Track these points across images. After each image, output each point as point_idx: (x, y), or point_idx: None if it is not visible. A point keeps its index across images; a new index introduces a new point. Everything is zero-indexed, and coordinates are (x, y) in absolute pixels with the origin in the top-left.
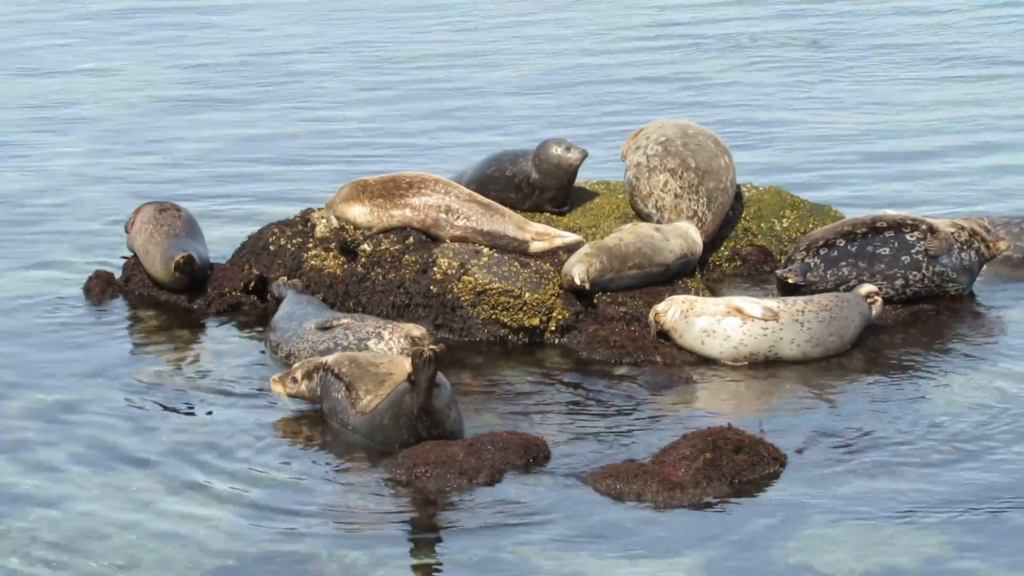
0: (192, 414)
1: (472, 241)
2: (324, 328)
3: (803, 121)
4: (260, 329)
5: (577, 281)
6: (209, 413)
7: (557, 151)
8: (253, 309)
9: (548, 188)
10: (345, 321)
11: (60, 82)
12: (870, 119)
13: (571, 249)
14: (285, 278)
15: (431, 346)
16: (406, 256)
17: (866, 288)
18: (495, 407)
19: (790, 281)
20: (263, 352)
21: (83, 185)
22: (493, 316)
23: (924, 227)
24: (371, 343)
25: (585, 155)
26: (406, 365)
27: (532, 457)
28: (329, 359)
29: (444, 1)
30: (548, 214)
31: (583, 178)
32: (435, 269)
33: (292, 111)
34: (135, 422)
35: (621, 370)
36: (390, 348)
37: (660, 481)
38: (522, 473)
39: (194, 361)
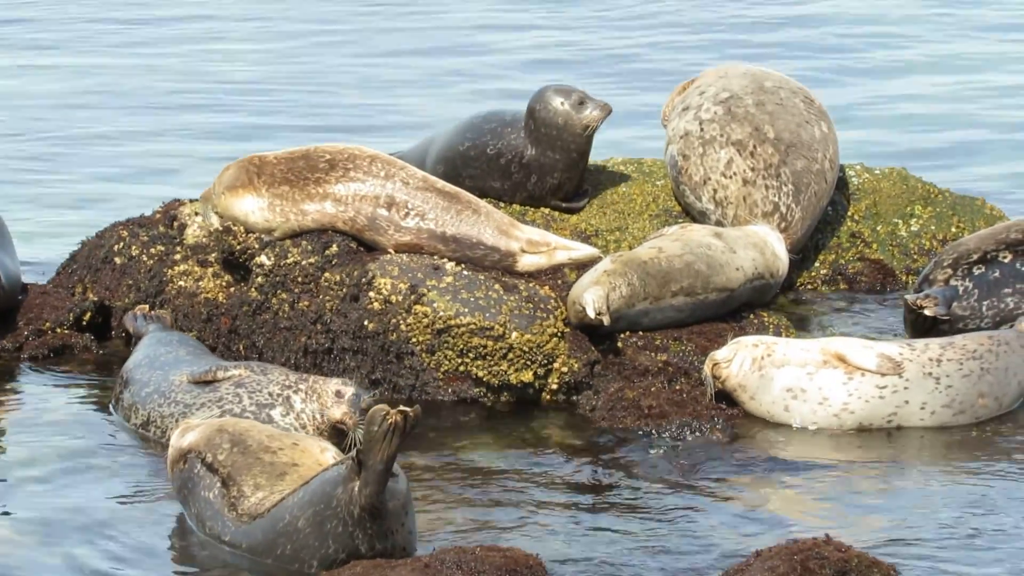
0: None
1: (429, 252)
2: (202, 383)
3: (941, 69)
4: (103, 382)
5: (591, 313)
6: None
7: (562, 106)
8: (88, 353)
9: (550, 169)
10: (236, 373)
11: None
12: None
13: (583, 267)
14: (146, 307)
15: (402, 408)
16: (327, 274)
17: None
18: (464, 508)
19: (928, 313)
20: (110, 419)
21: None
22: (462, 368)
23: None
24: (276, 412)
25: (608, 112)
26: (319, 453)
27: None
28: (193, 438)
29: None
30: (549, 211)
31: (602, 154)
32: (372, 295)
33: (150, 51)
34: None
35: (659, 451)
36: (303, 423)
37: None
38: None
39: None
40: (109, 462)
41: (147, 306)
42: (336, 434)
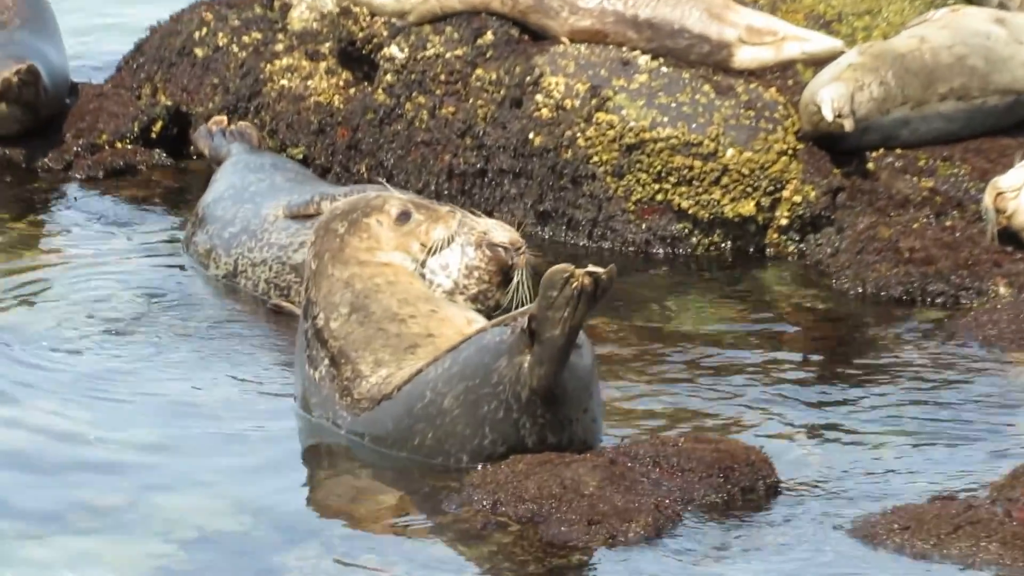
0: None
1: (615, 41)
2: (302, 216)
3: None
4: (180, 215)
5: (828, 114)
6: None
7: None
8: (159, 173)
9: None
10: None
11: None
12: None
13: (821, 63)
14: (223, 119)
15: (592, 269)
16: (479, 71)
17: None
18: (663, 390)
19: None
20: (187, 269)
21: None
22: (660, 197)
23: None
24: (412, 248)
25: None
26: (464, 325)
27: (739, 485)
28: (323, 267)
29: None
30: None
31: None
32: (539, 99)
33: None
34: None
35: (925, 311)
36: (445, 263)
37: (1011, 540)
38: (720, 516)
39: (44, 296)
40: (187, 327)
41: (224, 118)
42: (482, 290)
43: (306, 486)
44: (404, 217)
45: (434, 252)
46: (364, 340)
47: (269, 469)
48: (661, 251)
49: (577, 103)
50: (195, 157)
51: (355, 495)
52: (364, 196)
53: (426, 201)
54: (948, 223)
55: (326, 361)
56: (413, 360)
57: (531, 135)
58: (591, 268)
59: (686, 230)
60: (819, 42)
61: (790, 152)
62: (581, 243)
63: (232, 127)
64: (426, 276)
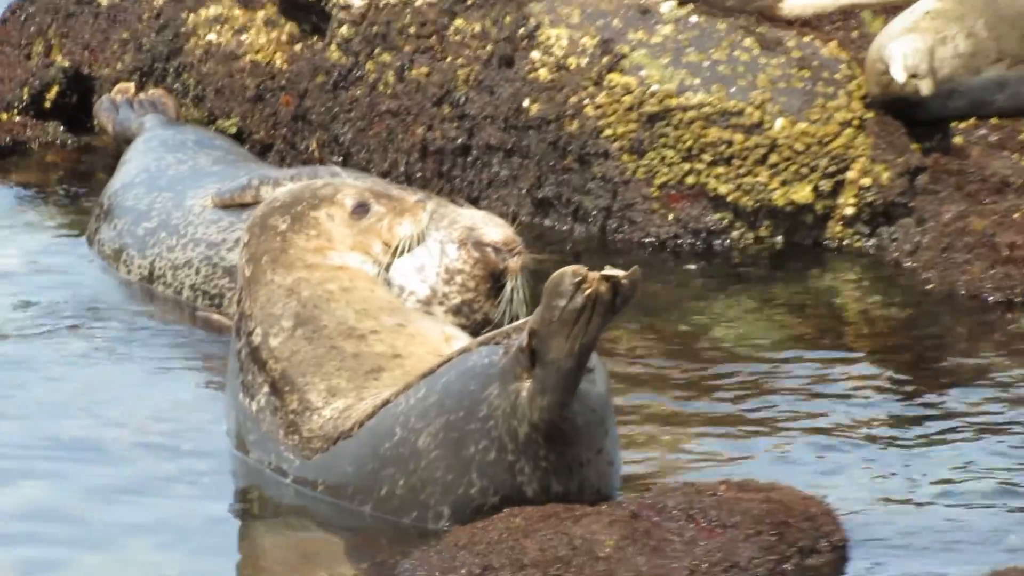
0: None
1: None
2: (237, 205)
3: None
4: (82, 203)
5: (899, 74)
6: None
7: None
8: (56, 152)
9: None
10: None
11: None
12: None
13: (893, 11)
14: (130, 86)
15: (609, 272)
16: (459, 21)
17: None
18: (698, 418)
19: None
20: (85, 274)
21: None
22: (691, 179)
23: None
24: (375, 250)
25: None
26: (440, 342)
27: (796, 546)
28: (260, 266)
29: None
30: None
31: None
32: (536, 56)
33: None
34: None
35: None
36: (420, 265)
37: None
38: None
39: None
40: (90, 345)
41: (131, 85)
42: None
43: (241, 549)
44: (361, 209)
45: (400, 253)
46: (314, 361)
47: (194, 527)
48: (693, 247)
49: (584, 62)
50: (100, 132)
51: (304, 561)
52: (311, 184)
53: (390, 188)
54: None
55: (265, 388)
56: (377, 387)
57: (526, 102)
58: (608, 271)
59: (724, 221)
60: None
61: (856, 123)
62: (591, 238)
63: (142, 96)
64: (394, 282)
